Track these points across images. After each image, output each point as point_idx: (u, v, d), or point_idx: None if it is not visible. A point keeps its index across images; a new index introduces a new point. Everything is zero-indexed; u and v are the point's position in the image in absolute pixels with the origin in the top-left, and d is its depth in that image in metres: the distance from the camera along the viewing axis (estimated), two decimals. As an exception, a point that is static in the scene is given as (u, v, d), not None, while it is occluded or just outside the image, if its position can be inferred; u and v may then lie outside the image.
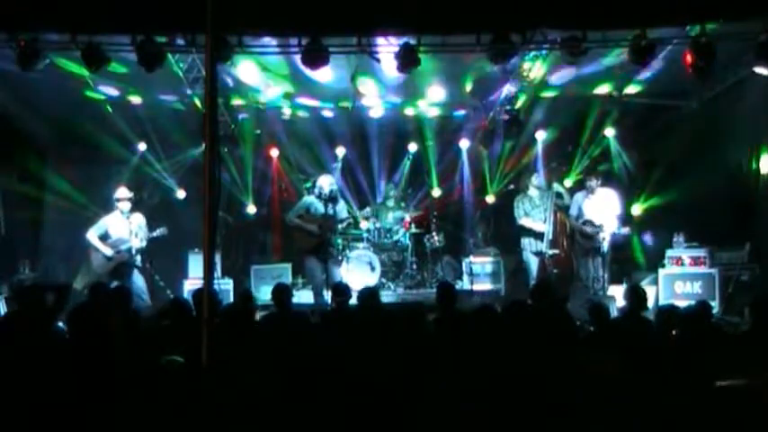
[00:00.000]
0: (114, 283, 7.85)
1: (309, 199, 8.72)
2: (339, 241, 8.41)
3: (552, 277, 9.36)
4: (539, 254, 9.30)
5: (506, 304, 5.21)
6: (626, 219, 9.41)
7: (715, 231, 9.09)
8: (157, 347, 4.41)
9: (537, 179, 9.65)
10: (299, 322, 5.68)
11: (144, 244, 8.32)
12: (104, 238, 8.30)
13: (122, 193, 8.44)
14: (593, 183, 8.94)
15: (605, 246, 8.66)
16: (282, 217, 10.99)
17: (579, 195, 9.12)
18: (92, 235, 8.30)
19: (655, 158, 10.30)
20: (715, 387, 3.80)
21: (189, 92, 8.96)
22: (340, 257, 8.49)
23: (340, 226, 8.63)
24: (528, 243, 9.46)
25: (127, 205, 8.40)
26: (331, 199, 8.36)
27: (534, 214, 9.46)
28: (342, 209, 8.61)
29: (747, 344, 4.66)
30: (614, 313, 6.63)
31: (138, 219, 8.46)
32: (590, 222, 8.79)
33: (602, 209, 8.79)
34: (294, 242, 9.19)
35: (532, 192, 9.56)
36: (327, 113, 10.74)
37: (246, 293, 6.65)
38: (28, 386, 3.87)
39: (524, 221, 9.48)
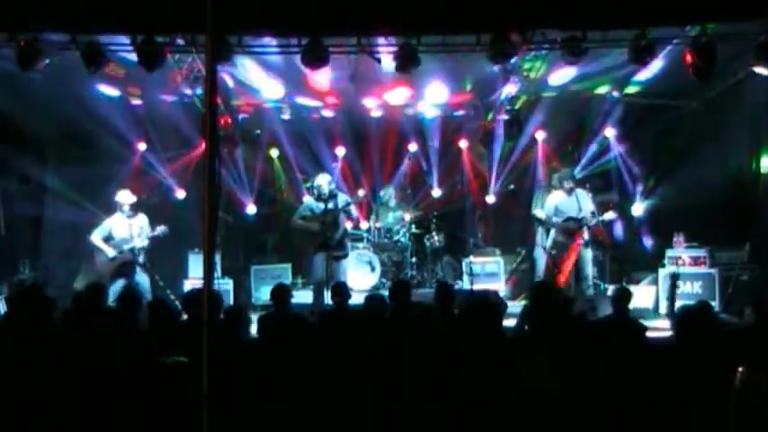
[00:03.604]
0: (119, 283, 7.88)
1: (310, 201, 8.72)
2: (338, 235, 8.33)
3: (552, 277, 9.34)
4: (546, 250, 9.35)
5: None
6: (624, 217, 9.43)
7: (715, 231, 9.08)
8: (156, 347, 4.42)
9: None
10: (297, 323, 5.66)
11: (146, 243, 8.33)
12: (108, 239, 8.31)
13: (125, 197, 8.41)
14: (567, 184, 8.83)
15: (586, 236, 8.59)
16: (282, 217, 11.00)
17: (552, 196, 8.98)
18: (95, 237, 8.31)
19: (655, 158, 10.29)
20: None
21: (189, 92, 8.95)
22: (341, 252, 8.43)
23: (343, 213, 8.55)
24: (540, 238, 9.48)
25: (129, 207, 8.40)
26: (331, 197, 8.38)
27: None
28: (342, 200, 8.58)
29: (749, 342, 4.65)
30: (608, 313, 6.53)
31: (141, 220, 8.47)
32: (572, 219, 8.74)
33: (580, 206, 8.73)
34: (299, 242, 9.15)
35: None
36: (327, 113, 10.73)
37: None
38: (28, 386, 3.87)
39: (538, 212, 9.52)
